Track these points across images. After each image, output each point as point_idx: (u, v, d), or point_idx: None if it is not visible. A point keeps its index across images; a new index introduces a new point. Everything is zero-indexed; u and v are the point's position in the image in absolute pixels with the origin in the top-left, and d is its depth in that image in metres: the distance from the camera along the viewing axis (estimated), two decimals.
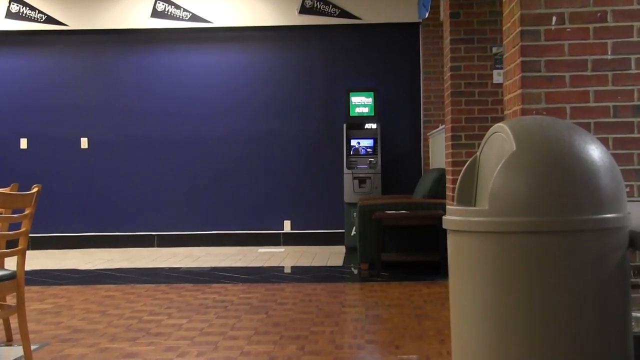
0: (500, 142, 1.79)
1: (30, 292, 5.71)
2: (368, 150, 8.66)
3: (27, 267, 3.99)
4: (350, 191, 8.44)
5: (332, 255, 7.98)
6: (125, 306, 5.21)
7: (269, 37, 9.20)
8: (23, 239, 3.59)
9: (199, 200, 9.25)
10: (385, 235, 6.62)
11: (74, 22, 9.19)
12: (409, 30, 9.04)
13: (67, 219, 9.24)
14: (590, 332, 1.64)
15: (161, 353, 3.87)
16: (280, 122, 9.16)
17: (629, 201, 1.80)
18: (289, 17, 9.06)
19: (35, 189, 3.61)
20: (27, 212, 3.60)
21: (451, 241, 1.80)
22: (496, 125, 1.87)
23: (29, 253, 3.88)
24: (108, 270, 7.15)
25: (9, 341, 4.09)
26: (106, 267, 7.38)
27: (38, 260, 7.90)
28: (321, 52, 9.18)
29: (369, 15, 8.92)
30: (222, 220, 9.22)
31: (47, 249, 9.03)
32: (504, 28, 3.89)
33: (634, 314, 2.36)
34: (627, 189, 3.32)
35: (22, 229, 3.59)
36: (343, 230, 8.60)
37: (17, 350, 3.81)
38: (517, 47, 3.54)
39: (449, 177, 6.14)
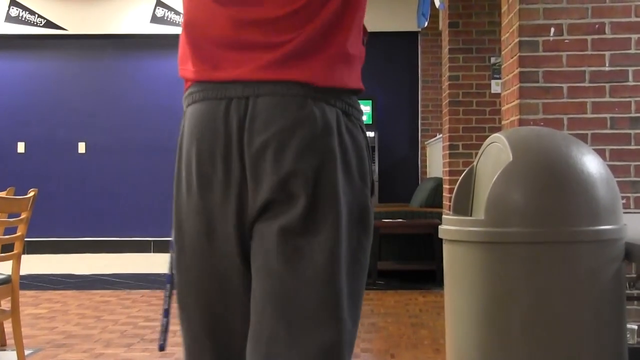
0: (497, 152, 1.80)
1: (25, 296, 5.69)
2: None
3: (22, 272, 3.98)
4: None
5: None
6: (120, 312, 5.20)
7: None
8: (19, 244, 3.58)
9: None
10: (381, 243, 6.61)
11: (73, 26, 9.20)
12: (407, 39, 9.06)
13: (63, 223, 9.22)
14: (586, 343, 1.63)
15: (156, 359, 3.86)
16: None
17: (624, 213, 1.81)
18: None
19: (31, 194, 3.61)
20: (23, 216, 3.59)
21: (447, 250, 1.80)
22: (493, 135, 1.87)
23: (24, 257, 3.86)
24: (104, 276, 7.14)
25: (2, 346, 4.08)
26: (102, 272, 7.37)
27: (33, 264, 7.88)
28: None
29: (367, 23, 8.82)
30: None
31: (42, 253, 9.02)
32: (502, 38, 3.90)
33: (629, 326, 2.36)
34: (624, 201, 3.32)
35: (18, 234, 3.58)
36: None
37: (11, 355, 3.80)
38: (515, 57, 3.55)
39: (445, 186, 6.15)
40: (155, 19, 9.12)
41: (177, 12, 9.11)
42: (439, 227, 1.85)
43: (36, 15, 9.15)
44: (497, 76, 5.90)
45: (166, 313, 1.43)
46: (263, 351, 1.22)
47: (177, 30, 9.10)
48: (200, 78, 1.33)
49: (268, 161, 1.23)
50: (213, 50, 1.31)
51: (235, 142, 1.25)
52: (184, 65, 1.40)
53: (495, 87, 5.96)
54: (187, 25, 1.36)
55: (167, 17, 9.12)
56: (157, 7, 9.13)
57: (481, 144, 1.96)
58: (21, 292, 4.04)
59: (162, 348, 1.41)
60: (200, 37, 1.33)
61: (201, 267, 1.31)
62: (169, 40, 9.21)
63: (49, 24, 9.17)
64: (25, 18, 9.15)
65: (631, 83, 3.46)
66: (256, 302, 1.25)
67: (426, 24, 7.61)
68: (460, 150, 5.97)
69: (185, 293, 1.36)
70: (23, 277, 5.14)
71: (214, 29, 1.30)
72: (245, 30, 1.28)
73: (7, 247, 3.80)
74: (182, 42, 1.40)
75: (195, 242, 1.31)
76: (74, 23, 9.20)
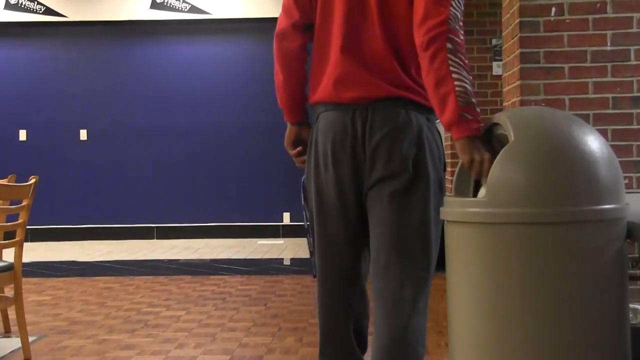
0: (498, 132, 1.79)
1: (29, 284, 5.71)
2: None
3: (26, 259, 3.98)
4: None
5: None
6: (123, 298, 5.21)
7: (269, 29, 9.12)
8: (20, 231, 3.58)
9: (198, 192, 9.24)
10: None
11: (73, 13, 9.17)
12: None
13: (65, 210, 9.24)
14: (588, 323, 1.63)
15: (159, 344, 3.87)
16: (279, 114, 9.08)
17: (627, 193, 1.79)
18: None
19: (32, 180, 3.61)
20: (24, 203, 3.59)
21: (449, 232, 1.79)
22: (494, 115, 1.86)
23: (27, 245, 3.87)
24: (107, 262, 7.16)
25: (6, 333, 4.09)
26: (105, 259, 7.39)
27: (36, 252, 7.91)
28: None
29: None
30: (221, 212, 9.21)
31: (45, 241, 9.03)
32: (503, 19, 3.88)
33: (631, 306, 2.35)
34: (626, 181, 3.31)
35: (20, 221, 3.58)
36: None
37: (15, 342, 3.81)
38: (516, 38, 3.53)
39: (449, 169, 6.13)
40: (155, 5, 9.08)
41: None
42: (440, 208, 1.84)
43: (36, 2, 9.12)
44: (499, 58, 5.87)
45: (311, 254, 2.16)
46: (381, 271, 2.01)
47: (177, 15, 9.06)
48: (332, 100, 2.01)
49: (382, 151, 1.91)
50: (330, 81, 2.03)
51: (360, 137, 1.93)
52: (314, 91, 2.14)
53: (497, 69, 5.93)
54: (314, 65, 2.17)
55: (167, 2, 9.07)
56: None
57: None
58: (24, 280, 4.05)
59: (315, 275, 2.14)
60: (325, 72, 2.07)
61: (335, 216, 2.01)
62: (169, 26, 9.18)
63: (49, 11, 9.14)
64: (24, 5, 9.11)
65: (633, 62, 3.44)
66: (375, 240, 1.98)
67: None
68: None
69: (322, 234, 2.07)
70: (26, 265, 5.15)
71: (338, 67, 2.00)
72: (358, 67, 1.97)
73: (10, 235, 3.80)
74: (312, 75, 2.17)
75: (332, 200, 2.00)
76: (74, 10, 9.16)
